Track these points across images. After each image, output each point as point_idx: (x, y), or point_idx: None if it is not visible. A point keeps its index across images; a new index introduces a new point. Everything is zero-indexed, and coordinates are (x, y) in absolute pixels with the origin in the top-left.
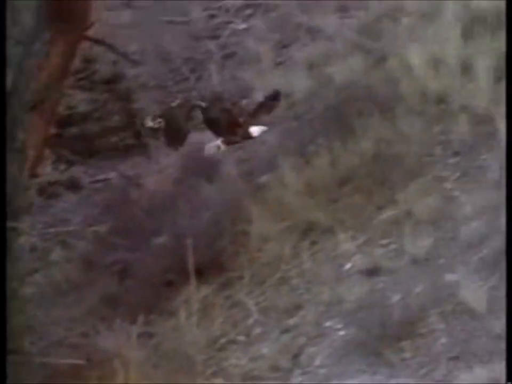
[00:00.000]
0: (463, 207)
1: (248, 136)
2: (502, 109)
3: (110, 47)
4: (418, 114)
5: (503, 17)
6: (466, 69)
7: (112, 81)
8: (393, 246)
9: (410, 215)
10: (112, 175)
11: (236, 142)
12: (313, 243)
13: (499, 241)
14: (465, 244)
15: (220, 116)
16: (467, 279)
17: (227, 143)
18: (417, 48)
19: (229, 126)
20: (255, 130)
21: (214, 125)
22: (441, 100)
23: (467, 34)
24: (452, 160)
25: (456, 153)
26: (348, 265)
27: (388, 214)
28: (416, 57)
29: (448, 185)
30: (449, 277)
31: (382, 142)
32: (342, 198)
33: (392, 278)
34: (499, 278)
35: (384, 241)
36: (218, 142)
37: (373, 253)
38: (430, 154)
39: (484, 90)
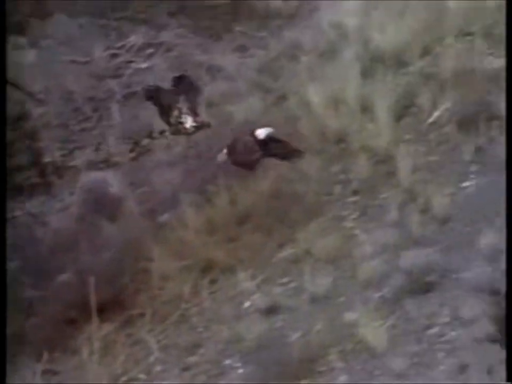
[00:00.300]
0: (362, 246)
1: (255, 139)
2: (402, 148)
3: (17, 86)
4: (318, 153)
5: (403, 57)
6: (366, 108)
7: (19, 120)
8: (292, 285)
9: (310, 254)
10: (18, 213)
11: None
12: (213, 281)
13: (399, 280)
14: (364, 283)
15: None
16: (367, 317)
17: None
18: (316, 87)
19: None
20: (261, 132)
21: None
22: (340, 139)
23: (366, 73)
24: (351, 199)
25: (355, 192)
26: (247, 304)
27: (287, 252)
28: (315, 96)
29: (347, 224)
30: (349, 316)
31: (281, 180)
32: (242, 237)
33: (291, 317)
34: (399, 317)
35: (283, 280)
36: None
37: (272, 291)
38: (330, 193)
39: (383, 130)
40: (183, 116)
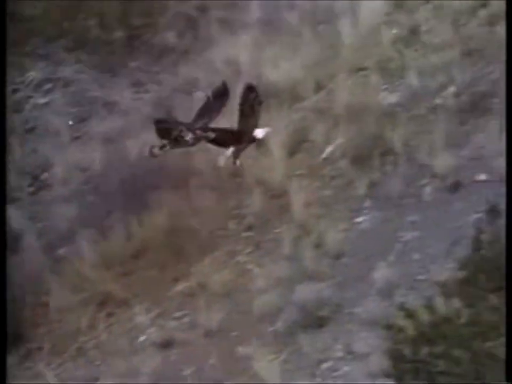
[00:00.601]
0: (256, 280)
1: (253, 139)
2: (295, 183)
3: None
4: (213, 188)
5: (297, 92)
6: (260, 143)
7: None
8: (187, 319)
9: (205, 288)
10: None
11: (244, 149)
12: (110, 315)
13: (293, 314)
14: (258, 317)
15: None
16: (260, 351)
17: (237, 154)
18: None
19: (234, 138)
20: (259, 132)
21: (220, 142)
22: (235, 174)
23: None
24: (245, 234)
25: (249, 227)
26: (143, 338)
27: (182, 286)
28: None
29: (241, 258)
30: (243, 350)
31: (176, 215)
32: (137, 271)
33: (186, 350)
34: (292, 351)
35: (178, 314)
36: (228, 152)
37: (167, 325)
38: (224, 228)
39: (277, 165)
40: (184, 133)
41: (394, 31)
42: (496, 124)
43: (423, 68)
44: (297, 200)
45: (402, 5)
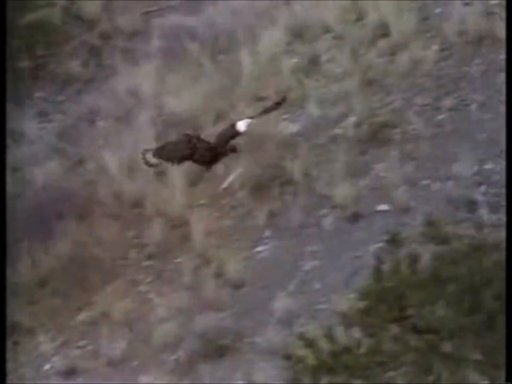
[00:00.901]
0: (157, 309)
1: (237, 133)
2: (196, 213)
3: None
4: (114, 217)
5: (197, 122)
6: (160, 173)
7: None
8: (89, 348)
9: (107, 317)
10: None
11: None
12: (16, 344)
13: (193, 343)
14: (159, 346)
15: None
16: (161, 381)
17: None
18: (113, 152)
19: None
20: (241, 124)
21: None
22: (136, 203)
23: (161, 138)
24: (146, 263)
25: (150, 256)
26: (48, 366)
27: (84, 315)
28: (112, 160)
29: (142, 287)
30: (143, 379)
31: (78, 244)
32: (42, 300)
33: (89, 379)
34: (193, 380)
35: (81, 343)
36: None
37: (71, 354)
38: (125, 257)
39: (178, 195)
40: None
41: (294, 60)
42: (397, 154)
43: (323, 98)
44: (198, 230)
45: (302, 34)
